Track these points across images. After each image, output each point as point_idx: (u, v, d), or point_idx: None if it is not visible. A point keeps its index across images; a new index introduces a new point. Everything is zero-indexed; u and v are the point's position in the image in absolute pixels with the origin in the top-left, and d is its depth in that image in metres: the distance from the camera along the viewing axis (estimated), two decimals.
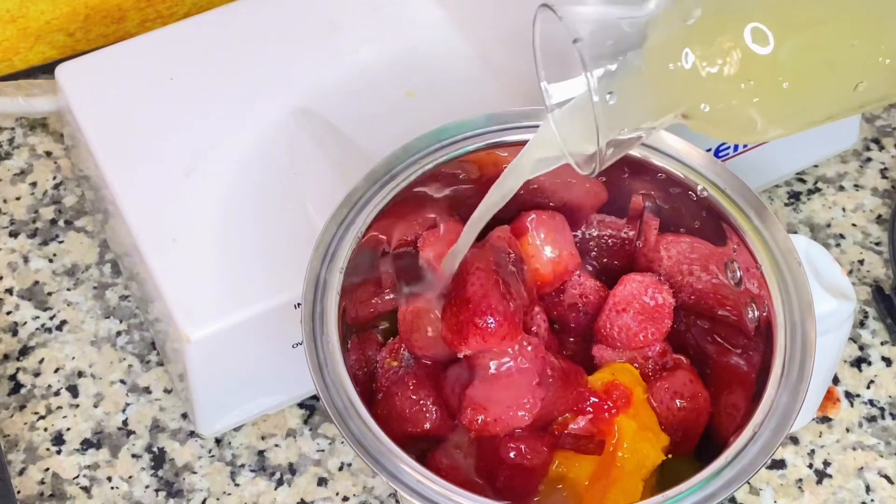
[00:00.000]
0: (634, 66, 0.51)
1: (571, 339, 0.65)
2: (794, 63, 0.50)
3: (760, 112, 0.51)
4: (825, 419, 0.70)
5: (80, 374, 0.70)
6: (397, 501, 0.67)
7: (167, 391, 0.70)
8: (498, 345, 0.58)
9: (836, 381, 0.71)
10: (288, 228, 0.65)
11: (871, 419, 0.70)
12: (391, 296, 0.63)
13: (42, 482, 0.67)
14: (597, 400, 0.61)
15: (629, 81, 0.51)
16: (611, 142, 0.52)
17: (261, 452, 0.68)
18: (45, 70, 0.80)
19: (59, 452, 0.68)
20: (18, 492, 0.67)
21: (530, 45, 0.68)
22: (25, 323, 0.72)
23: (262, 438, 0.69)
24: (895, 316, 0.72)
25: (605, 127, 0.51)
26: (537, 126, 0.61)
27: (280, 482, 0.67)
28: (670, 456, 0.61)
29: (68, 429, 0.69)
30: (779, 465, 0.68)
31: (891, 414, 0.70)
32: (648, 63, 0.51)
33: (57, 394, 0.70)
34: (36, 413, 0.69)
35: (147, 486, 0.67)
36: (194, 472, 0.68)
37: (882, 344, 0.72)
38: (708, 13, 0.50)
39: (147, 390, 0.70)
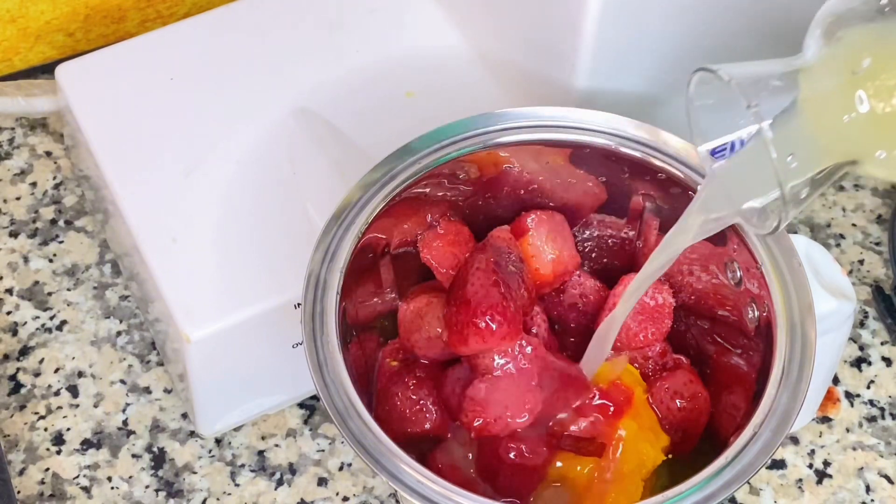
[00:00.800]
0: (798, 118, 0.51)
1: (571, 339, 0.65)
2: None
3: None
4: (825, 419, 0.70)
5: (80, 374, 0.70)
6: (397, 501, 0.67)
7: (167, 391, 0.70)
8: (498, 345, 0.58)
9: (836, 381, 0.71)
10: (288, 228, 0.65)
11: (871, 419, 0.70)
12: (391, 296, 0.63)
13: (42, 482, 0.67)
14: (598, 400, 0.61)
15: (796, 135, 0.51)
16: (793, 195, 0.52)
17: (261, 452, 0.68)
18: (45, 70, 0.80)
19: (59, 452, 0.68)
20: (18, 492, 0.67)
21: (530, 45, 0.68)
22: (25, 323, 0.72)
23: (262, 438, 0.69)
24: (895, 316, 0.72)
25: (786, 180, 0.51)
26: (537, 126, 0.62)
27: (280, 482, 0.67)
28: (670, 456, 0.61)
29: (68, 429, 0.69)
30: (779, 465, 0.68)
31: (891, 414, 0.70)
32: (816, 115, 0.51)
33: (57, 394, 0.70)
34: (36, 413, 0.69)
35: (147, 486, 0.67)
36: (194, 472, 0.68)
37: (882, 344, 0.72)
38: (878, 60, 0.50)
39: (147, 390, 0.70)
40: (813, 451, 0.69)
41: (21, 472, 0.67)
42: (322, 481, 0.68)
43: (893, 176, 0.54)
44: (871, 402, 0.70)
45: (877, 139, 0.51)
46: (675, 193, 0.61)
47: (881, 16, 0.51)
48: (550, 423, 0.60)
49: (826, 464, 0.68)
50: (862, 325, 0.73)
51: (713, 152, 0.70)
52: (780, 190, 0.51)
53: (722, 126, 0.54)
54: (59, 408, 0.69)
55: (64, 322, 0.72)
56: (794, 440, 0.69)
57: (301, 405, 0.70)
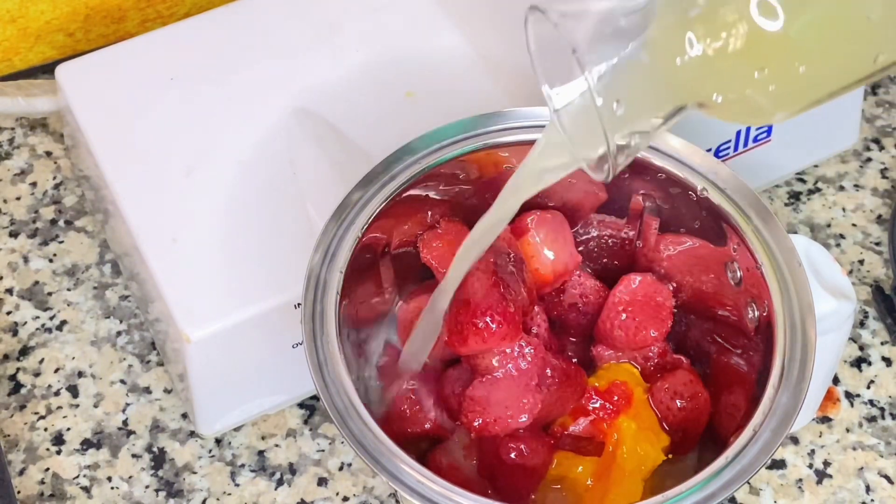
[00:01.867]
0: (638, 60, 0.50)
1: (571, 339, 0.65)
2: (807, 42, 0.48)
3: (775, 98, 0.50)
4: (825, 419, 0.70)
5: (80, 374, 0.70)
6: (397, 501, 0.67)
7: (167, 391, 0.70)
8: (497, 345, 0.58)
9: (836, 381, 0.71)
10: (288, 228, 0.65)
11: (871, 419, 0.70)
12: (391, 296, 0.63)
13: (42, 482, 0.67)
14: (597, 400, 0.61)
15: (634, 78, 0.50)
16: (621, 144, 0.50)
17: (261, 452, 0.68)
18: (45, 70, 0.80)
19: (59, 452, 0.68)
20: (18, 492, 0.67)
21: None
22: (25, 323, 0.72)
23: (262, 438, 0.69)
24: (895, 316, 0.72)
25: (612, 130, 0.50)
26: (537, 126, 0.61)
27: (280, 482, 0.67)
28: (670, 456, 0.61)
29: (68, 429, 0.69)
30: (779, 465, 0.68)
31: (891, 414, 0.70)
32: (653, 57, 0.50)
33: (57, 394, 0.70)
34: (36, 413, 0.69)
35: (147, 486, 0.67)
36: (194, 472, 0.68)
37: (882, 344, 0.72)
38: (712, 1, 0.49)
39: (147, 390, 0.70)
40: (813, 451, 0.69)
41: (21, 472, 0.67)
42: (322, 481, 0.68)
43: (734, 120, 0.52)
44: (871, 402, 0.70)
45: (711, 82, 0.49)
46: (675, 193, 0.61)
47: None
48: (550, 423, 0.61)
49: (826, 464, 0.68)
50: (862, 325, 0.73)
51: (716, 152, 0.71)
52: (605, 139, 0.49)
53: (567, 66, 0.51)
54: (59, 408, 0.69)
55: (64, 322, 0.72)
56: (794, 440, 0.69)
57: (301, 405, 0.70)
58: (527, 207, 0.64)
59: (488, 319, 0.57)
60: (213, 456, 0.68)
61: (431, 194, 0.62)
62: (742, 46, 0.48)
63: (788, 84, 0.49)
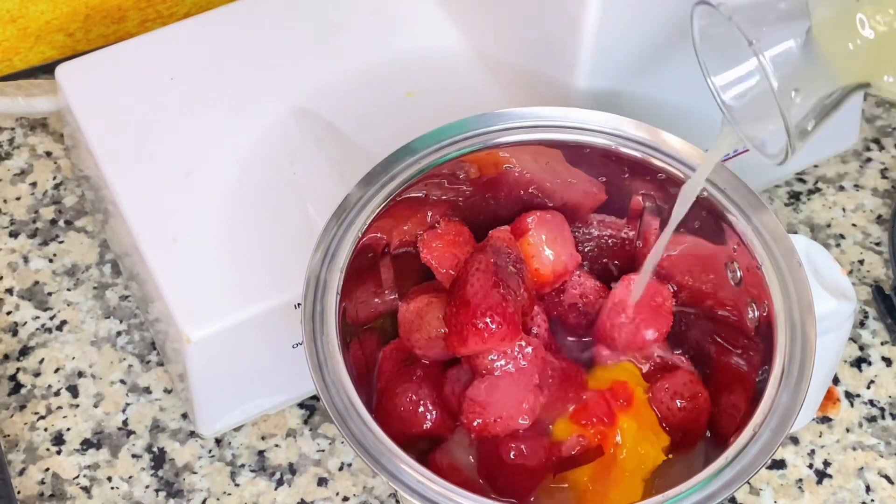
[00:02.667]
0: (808, 44, 0.51)
1: (571, 339, 0.65)
2: None
3: None
4: (825, 419, 0.70)
5: (80, 374, 0.70)
6: (397, 501, 0.67)
7: (167, 391, 0.70)
8: (497, 346, 0.58)
9: (836, 381, 0.71)
10: (288, 228, 0.65)
11: (871, 419, 0.70)
12: (391, 296, 0.63)
13: (42, 482, 0.67)
14: (597, 400, 0.61)
15: (805, 63, 0.51)
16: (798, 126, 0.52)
17: (261, 452, 0.68)
18: (45, 70, 0.80)
19: (59, 452, 0.68)
20: (18, 492, 0.67)
21: (530, 45, 0.68)
22: (25, 323, 0.72)
23: (262, 438, 0.69)
24: (895, 316, 0.72)
25: (789, 112, 0.51)
26: (537, 126, 0.62)
27: (280, 482, 0.67)
28: (670, 456, 0.61)
29: (68, 429, 0.69)
30: (779, 465, 0.68)
31: (891, 414, 0.70)
32: (823, 40, 0.51)
33: (57, 394, 0.70)
34: (36, 413, 0.69)
35: (147, 486, 0.67)
36: (194, 472, 0.68)
37: (882, 344, 0.72)
38: None
39: (147, 390, 0.70)
40: (813, 451, 0.69)
41: (21, 472, 0.67)
42: (322, 481, 0.68)
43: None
44: (871, 402, 0.70)
45: (885, 64, 0.51)
46: (675, 193, 0.61)
47: None
48: (551, 423, 0.61)
49: (826, 464, 0.68)
50: (862, 325, 0.73)
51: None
52: (783, 123, 0.51)
53: (733, 56, 0.54)
54: (59, 408, 0.69)
55: (64, 322, 0.72)
56: (794, 440, 0.69)
57: (301, 405, 0.70)
58: (527, 207, 0.64)
59: (488, 320, 0.57)
60: (213, 456, 0.68)
61: (431, 194, 0.62)
62: None
63: None
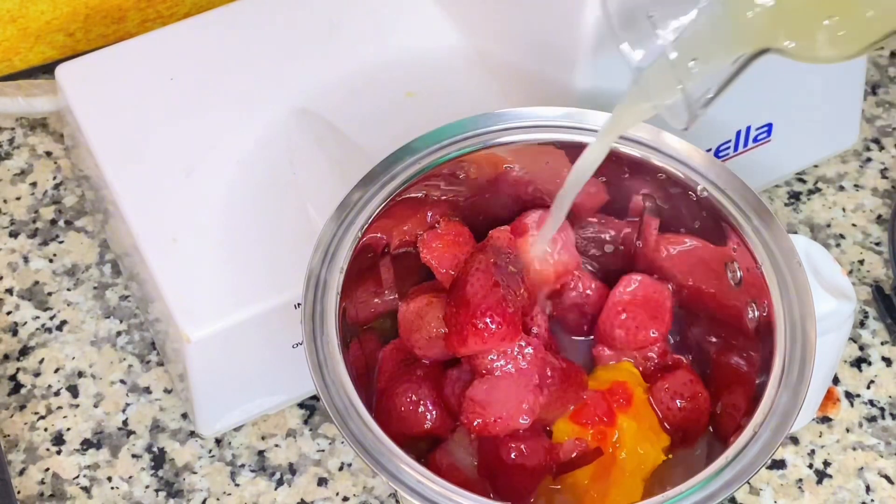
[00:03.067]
0: (711, 13, 0.52)
1: (571, 339, 0.65)
2: None
3: (842, 41, 0.51)
4: (825, 419, 0.70)
5: (80, 374, 0.70)
6: (397, 501, 0.67)
7: (167, 391, 0.70)
8: (497, 346, 0.58)
9: (836, 381, 0.71)
10: (288, 228, 0.65)
11: (871, 419, 0.70)
12: (391, 296, 0.63)
13: (42, 482, 0.67)
14: (597, 400, 0.61)
15: (707, 31, 0.52)
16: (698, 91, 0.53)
17: (261, 452, 0.68)
18: (45, 70, 0.80)
19: (59, 452, 0.68)
20: (18, 492, 0.67)
21: (530, 45, 0.68)
22: (25, 323, 0.72)
23: (262, 438, 0.69)
24: (895, 316, 0.72)
25: (687, 80, 0.52)
26: (537, 126, 0.62)
27: (280, 482, 0.67)
28: (670, 456, 0.61)
29: (68, 429, 0.69)
30: (779, 465, 0.68)
31: (891, 414, 0.70)
32: (726, 8, 0.52)
33: (57, 394, 0.70)
34: (36, 413, 0.69)
35: (147, 486, 0.67)
36: (194, 472, 0.68)
37: (882, 344, 0.72)
38: None
39: (147, 390, 0.70)
40: (813, 451, 0.69)
41: (21, 472, 0.67)
42: (322, 481, 0.68)
43: (805, 60, 0.54)
44: (871, 402, 0.70)
45: (783, 30, 0.51)
46: (675, 193, 0.61)
47: None
48: (551, 423, 0.61)
49: (826, 464, 0.68)
50: (862, 325, 0.73)
51: (716, 153, 0.71)
52: (681, 93, 0.52)
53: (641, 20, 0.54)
54: (59, 408, 0.69)
55: (64, 322, 0.72)
56: (794, 440, 0.69)
57: (301, 405, 0.70)
58: (527, 207, 0.64)
59: (488, 320, 0.57)
60: (213, 456, 0.68)
61: (431, 194, 0.62)
62: None
63: (856, 27, 0.51)
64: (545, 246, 0.60)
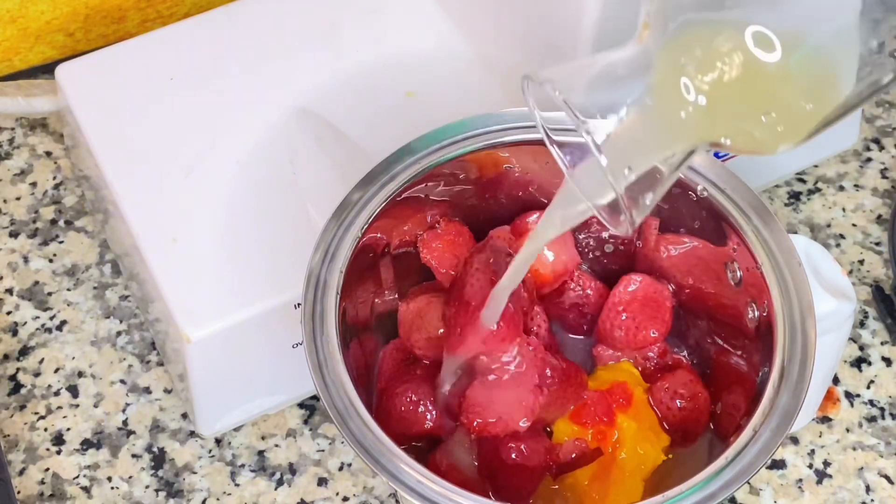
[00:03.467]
0: (642, 111, 0.49)
1: (573, 337, 0.65)
2: (807, 78, 0.48)
3: (784, 136, 0.49)
4: (825, 419, 0.70)
5: (80, 374, 0.70)
6: (397, 501, 0.67)
7: (167, 391, 0.70)
8: (497, 347, 0.58)
9: (836, 381, 0.71)
10: (288, 228, 0.65)
11: (871, 419, 0.70)
12: (391, 296, 0.63)
13: (42, 482, 0.67)
14: (597, 400, 0.61)
15: (640, 131, 0.49)
16: (637, 190, 0.50)
17: (261, 452, 0.68)
18: (45, 70, 0.80)
19: (59, 452, 0.68)
20: (18, 492, 0.67)
21: (530, 45, 0.68)
22: (25, 323, 0.72)
23: (262, 438, 0.69)
24: (895, 316, 0.72)
25: (621, 185, 0.49)
26: (536, 126, 0.61)
27: (280, 482, 0.67)
28: (671, 456, 0.61)
29: (68, 429, 0.69)
30: (779, 465, 0.68)
31: (891, 414, 0.70)
32: (658, 105, 0.49)
33: (57, 394, 0.70)
34: (36, 413, 0.69)
35: (147, 486, 0.67)
36: (194, 472, 0.68)
37: (882, 344, 0.72)
38: (705, 50, 0.48)
39: (147, 390, 0.70)
40: (813, 451, 0.69)
41: (21, 472, 0.67)
42: (322, 481, 0.68)
43: (746, 154, 0.51)
44: (871, 402, 0.70)
45: (719, 128, 0.49)
46: (675, 193, 0.61)
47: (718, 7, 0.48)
48: (551, 423, 0.61)
49: (826, 464, 0.68)
50: (862, 325, 0.73)
51: (716, 153, 0.71)
52: (615, 195, 0.49)
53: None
54: (59, 408, 0.69)
55: (64, 322, 0.72)
56: (794, 440, 0.69)
57: (301, 405, 0.70)
58: (527, 207, 0.64)
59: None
60: (213, 456, 0.68)
61: (431, 194, 0.62)
62: (742, 82, 0.47)
63: (796, 122, 0.49)
64: (491, 326, 0.58)
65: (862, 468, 0.68)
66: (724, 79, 0.48)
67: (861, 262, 0.75)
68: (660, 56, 0.49)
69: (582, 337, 0.65)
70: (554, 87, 0.48)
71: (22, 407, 0.69)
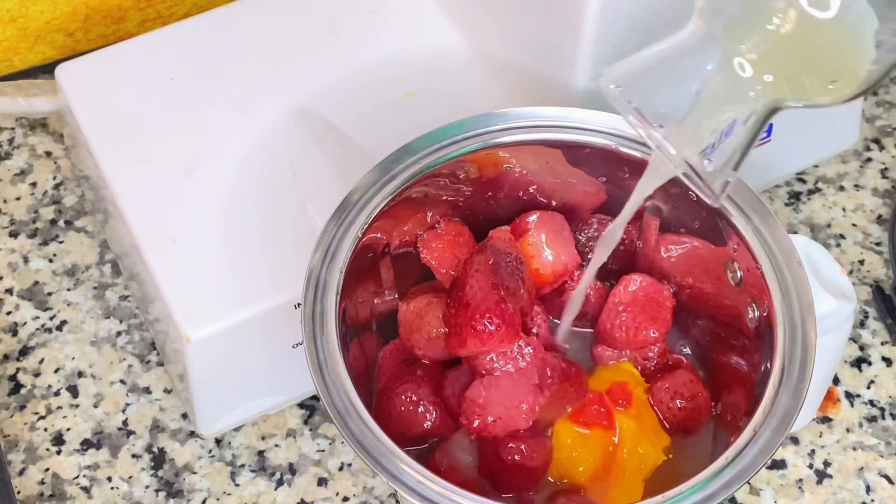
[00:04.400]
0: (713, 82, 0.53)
1: (574, 328, 0.65)
2: (864, 41, 0.51)
3: (849, 94, 0.53)
4: (825, 419, 0.70)
5: (80, 375, 0.70)
6: (397, 501, 0.67)
7: (167, 391, 0.70)
8: (496, 347, 0.58)
9: (836, 381, 0.71)
10: (288, 228, 0.65)
11: (872, 419, 0.70)
12: (391, 296, 0.63)
13: (42, 482, 0.67)
14: (597, 400, 0.61)
15: (711, 103, 0.53)
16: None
17: (261, 452, 0.68)
18: (45, 70, 0.80)
19: (59, 452, 0.68)
20: (18, 492, 0.67)
21: (531, 45, 0.68)
22: (25, 323, 0.72)
23: (262, 438, 0.69)
24: (895, 316, 0.72)
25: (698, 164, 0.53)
26: (537, 126, 0.62)
27: (280, 482, 0.67)
28: (671, 456, 0.61)
29: (68, 429, 0.69)
30: (779, 465, 0.68)
31: (891, 414, 0.70)
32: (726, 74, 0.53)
33: (57, 394, 0.70)
34: (36, 413, 0.69)
35: (147, 487, 0.67)
36: (194, 473, 0.68)
37: (882, 344, 0.72)
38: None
39: (147, 390, 0.70)
40: (813, 451, 0.69)
41: (21, 472, 0.67)
42: (322, 481, 0.68)
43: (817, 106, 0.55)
44: (871, 402, 0.70)
45: (793, 93, 0.53)
46: (675, 193, 0.61)
47: None
48: (551, 423, 0.61)
49: (826, 464, 0.68)
50: (862, 325, 0.73)
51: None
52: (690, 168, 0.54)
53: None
54: (59, 408, 0.69)
55: (64, 322, 0.72)
56: (794, 440, 0.69)
57: (301, 405, 0.70)
58: (527, 207, 0.64)
59: (487, 322, 0.57)
60: (213, 456, 0.68)
61: (431, 194, 0.62)
62: (791, 28, 0.51)
63: (859, 84, 0.52)
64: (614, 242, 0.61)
65: (862, 468, 0.68)
66: (780, 30, 0.51)
67: (861, 262, 0.75)
68: (724, 35, 0.53)
69: (583, 328, 0.65)
70: (624, 95, 0.53)
71: (22, 407, 0.69)
